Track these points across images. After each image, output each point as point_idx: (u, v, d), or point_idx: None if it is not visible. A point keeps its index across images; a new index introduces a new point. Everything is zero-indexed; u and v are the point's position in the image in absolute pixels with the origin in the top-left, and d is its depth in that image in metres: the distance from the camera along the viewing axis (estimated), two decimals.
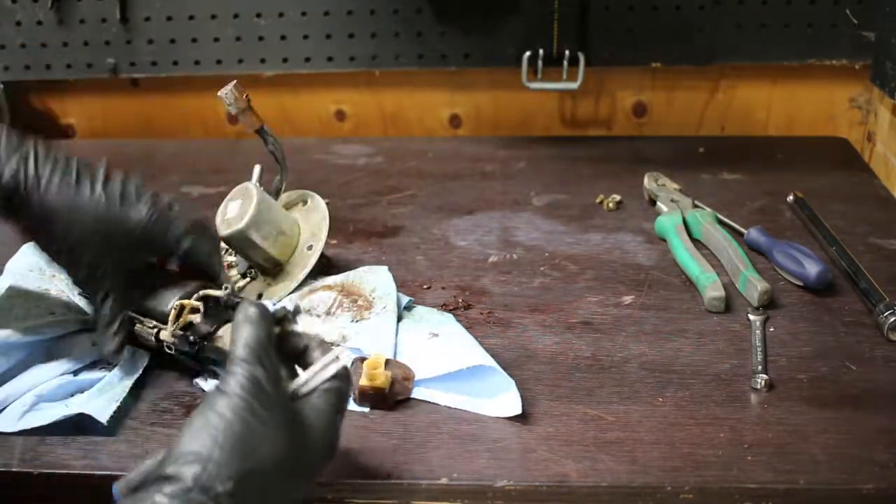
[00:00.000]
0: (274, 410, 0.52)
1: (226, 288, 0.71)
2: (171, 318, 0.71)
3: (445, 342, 0.75)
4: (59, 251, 0.69)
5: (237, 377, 0.53)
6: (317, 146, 1.24)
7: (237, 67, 1.23)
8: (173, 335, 0.71)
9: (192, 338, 0.70)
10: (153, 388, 0.74)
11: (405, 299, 0.82)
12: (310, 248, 0.85)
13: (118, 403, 0.70)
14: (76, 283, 0.72)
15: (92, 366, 0.75)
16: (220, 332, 0.70)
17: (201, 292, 0.71)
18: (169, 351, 0.72)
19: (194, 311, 0.70)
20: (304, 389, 0.57)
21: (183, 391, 0.73)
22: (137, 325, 0.73)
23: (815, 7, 1.15)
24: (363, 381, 0.70)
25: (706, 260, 0.88)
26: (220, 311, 0.71)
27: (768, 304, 0.82)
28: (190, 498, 0.48)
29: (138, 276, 0.72)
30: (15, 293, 0.81)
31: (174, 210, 0.71)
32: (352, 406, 0.71)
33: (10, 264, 0.87)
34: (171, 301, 0.71)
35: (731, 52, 1.19)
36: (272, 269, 0.85)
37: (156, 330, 0.72)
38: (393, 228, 1.00)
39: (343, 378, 0.58)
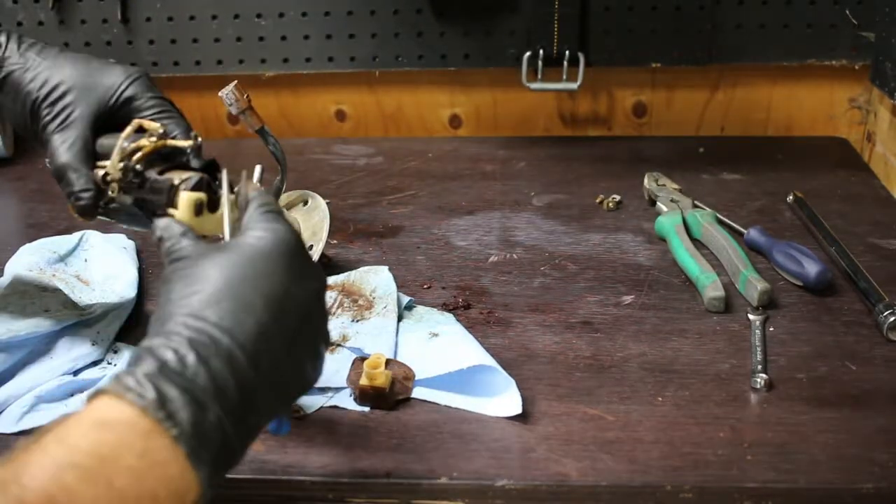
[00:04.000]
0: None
1: (195, 137, 0.67)
2: (116, 150, 0.66)
3: (446, 342, 0.76)
4: (35, 99, 0.69)
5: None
6: (317, 146, 1.24)
7: (238, 68, 1.23)
8: (117, 168, 0.66)
9: (136, 167, 0.65)
10: None
11: (405, 299, 0.82)
12: (310, 247, 0.85)
13: None
14: (47, 134, 0.69)
15: (92, 366, 0.75)
16: (168, 174, 0.65)
17: (159, 135, 0.66)
18: (111, 195, 0.67)
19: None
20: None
21: None
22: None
23: (814, 7, 1.15)
24: (363, 381, 0.70)
25: (706, 260, 0.88)
26: (177, 158, 0.67)
27: (768, 304, 0.82)
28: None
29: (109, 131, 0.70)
30: (10, 291, 0.81)
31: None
32: (352, 406, 0.71)
33: (10, 265, 0.88)
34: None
35: (731, 53, 1.19)
36: None
37: (103, 172, 0.67)
38: (393, 228, 1.00)
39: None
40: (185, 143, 0.67)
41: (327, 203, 0.89)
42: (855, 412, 0.69)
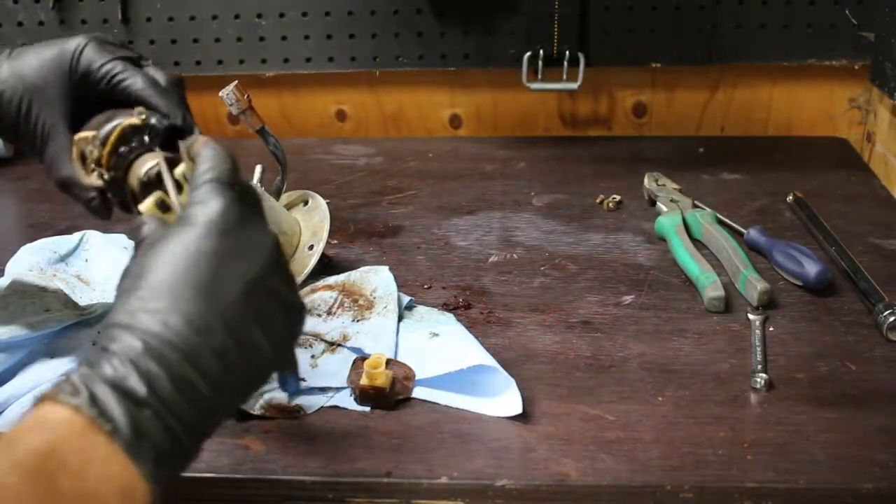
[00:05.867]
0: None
1: (140, 115, 0.64)
2: (74, 155, 0.64)
3: (446, 342, 0.76)
4: (13, 121, 0.67)
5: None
6: (317, 146, 1.24)
7: (238, 68, 1.23)
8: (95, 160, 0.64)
9: (105, 175, 0.64)
10: None
11: (406, 299, 0.82)
12: (311, 247, 0.85)
13: None
14: (38, 152, 0.67)
15: None
16: (137, 163, 0.63)
17: (109, 126, 0.64)
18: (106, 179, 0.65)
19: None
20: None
21: None
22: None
23: (814, 7, 1.16)
24: (364, 381, 0.70)
25: (706, 260, 0.88)
26: (139, 141, 0.64)
27: (768, 304, 0.82)
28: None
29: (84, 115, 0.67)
30: (10, 291, 0.81)
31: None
32: (352, 406, 0.71)
33: (10, 265, 0.88)
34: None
35: (731, 53, 1.19)
36: None
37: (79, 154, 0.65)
38: (393, 228, 1.01)
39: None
40: (136, 121, 0.64)
41: (327, 203, 0.89)
42: (855, 412, 0.69)
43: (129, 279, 0.50)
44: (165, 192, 0.59)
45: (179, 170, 0.60)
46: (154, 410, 0.45)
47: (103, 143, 0.64)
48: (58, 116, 0.66)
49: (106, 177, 0.64)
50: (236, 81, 0.85)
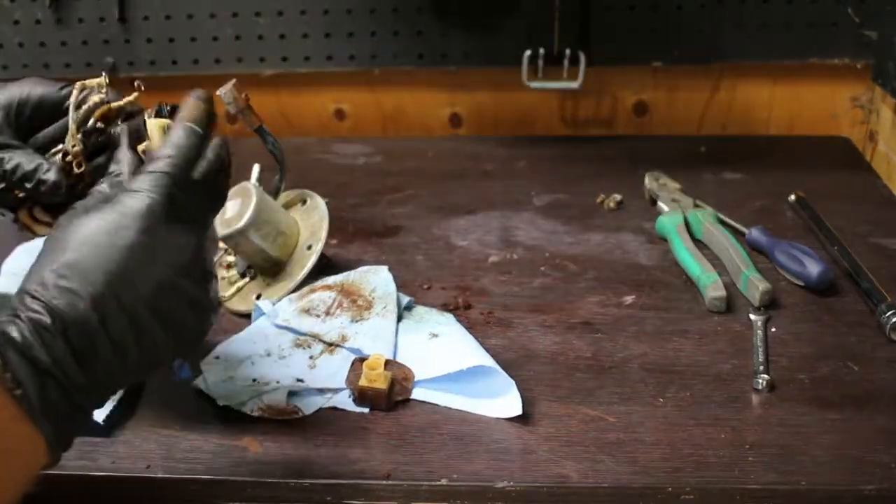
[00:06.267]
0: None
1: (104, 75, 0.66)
2: (70, 121, 0.66)
3: (445, 342, 0.75)
4: None
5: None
6: (316, 145, 1.24)
7: (236, 66, 1.23)
8: (77, 138, 0.65)
9: (97, 125, 0.66)
10: (151, 388, 0.74)
11: (405, 299, 0.82)
12: (309, 247, 0.85)
13: (115, 404, 0.70)
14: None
15: None
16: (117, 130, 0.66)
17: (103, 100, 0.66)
18: (78, 171, 0.66)
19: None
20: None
21: (182, 392, 0.73)
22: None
23: (816, 6, 1.15)
24: (363, 382, 0.70)
25: (707, 260, 0.87)
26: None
27: (770, 305, 0.82)
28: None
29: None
30: (7, 291, 0.80)
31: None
32: (351, 407, 0.71)
33: (7, 265, 0.87)
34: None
35: (733, 52, 1.18)
36: (271, 269, 0.85)
37: (60, 153, 0.66)
38: (393, 228, 1.00)
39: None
40: (124, 101, 0.66)
41: (326, 202, 0.89)
42: (857, 413, 0.68)
43: (50, 248, 0.52)
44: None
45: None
46: (57, 381, 0.49)
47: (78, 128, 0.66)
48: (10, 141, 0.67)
49: (99, 125, 0.66)
50: (234, 80, 0.84)
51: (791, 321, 0.80)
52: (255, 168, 0.91)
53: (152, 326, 0.52)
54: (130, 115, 0.67)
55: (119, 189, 0.55)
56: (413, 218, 1.02)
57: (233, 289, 0.86)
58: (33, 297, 0.50)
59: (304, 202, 0.90)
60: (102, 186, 0.63)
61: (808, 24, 1.16)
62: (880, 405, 0.69)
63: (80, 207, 0.54)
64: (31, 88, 0.68)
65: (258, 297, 0.84)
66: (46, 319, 0.49)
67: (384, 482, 0.63)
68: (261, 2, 1.20)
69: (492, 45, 1.20)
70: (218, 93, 0.84)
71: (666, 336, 0.79)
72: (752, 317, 0.79)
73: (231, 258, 0.89)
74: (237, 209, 0.83)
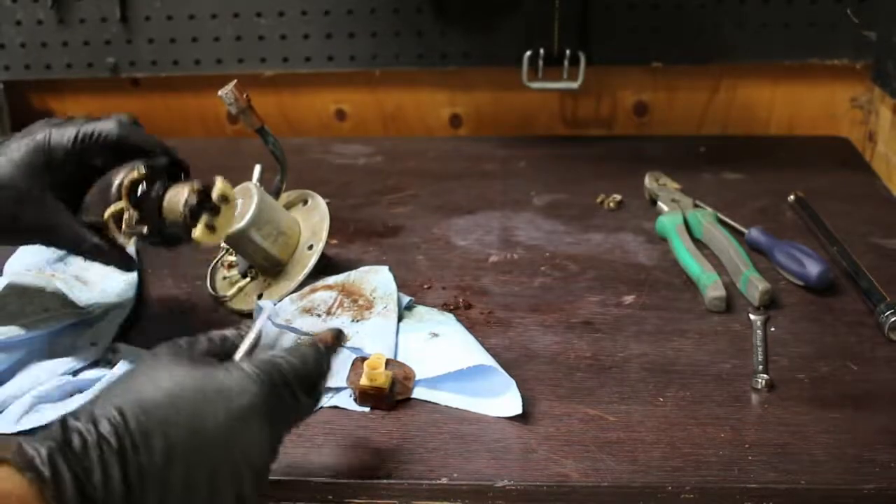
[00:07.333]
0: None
1: (137, 168, 0.68)
2: (109, 222, 0.68)
3: (446, 342, 0.75)
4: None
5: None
6: (317, 146, 1.24)
7: (237, 67, 1.23)
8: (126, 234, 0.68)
9: (143, 230, 0.68)
10: None
11: (406, 299, 0.82)
12: (310, 247, 0.85)
13: None
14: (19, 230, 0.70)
15: (91, 366, 0.75)
16: (165, 201, 0.69)
17: (126, 183, 0.68)
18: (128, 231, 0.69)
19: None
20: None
21: None
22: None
23: (816, 6, 1.15)
24: (363, 381, 0.70)
25: (707, 260, 0.88)
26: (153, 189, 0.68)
27: (769, 304, 0.82)
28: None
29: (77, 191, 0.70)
30: (9, 291, 0.81)
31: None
32: (352, 406, 0.71)
33: (9, 265, 0.87)
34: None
35: (733, 52, 1.19)
36: (272, 269, 0.85)
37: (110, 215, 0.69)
38: (393, 228, 1.00)
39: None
40: (136, 174, 0.68)
41: (327, 203, 0.89)
42: (856, 412, 0.69)
43: (137, 377, 0.51)
44: (210, 213, 0.67)
45: (216, 192, 0.68)
46: None
47: (122, 197, 0.68)
48: (53, 204, 0.69)
49: (144, 231, 0.68)
50: (235, 80, 0.84)
51: (791, 321, 0.80)
52: (257, 168, 0.91)
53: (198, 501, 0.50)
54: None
55: (231, 363, 0.54)
56: (413, 218, 1.02)
57: (234, 289, 0.86)
58: (111, 420, 0.48)
59: (305, 202, 0.90)
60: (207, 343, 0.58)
61: (808, 25, 1.16)
62: (880, 405, 0.69)
63: (184, 352, 0.54)
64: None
65: (259, 297, 0.84)
66: (114, 461, 0.47)
67: (385, 481, 0.63)
68: (262, 2, 1.20)
69: (492, 46, 1.20)
70: (219, 93, 0.84)
71: (666, 336, 0.79)
72: (752, 317, 0.79)
73: (232, 258, 0.89)
74: (238, 209, 0.83)
